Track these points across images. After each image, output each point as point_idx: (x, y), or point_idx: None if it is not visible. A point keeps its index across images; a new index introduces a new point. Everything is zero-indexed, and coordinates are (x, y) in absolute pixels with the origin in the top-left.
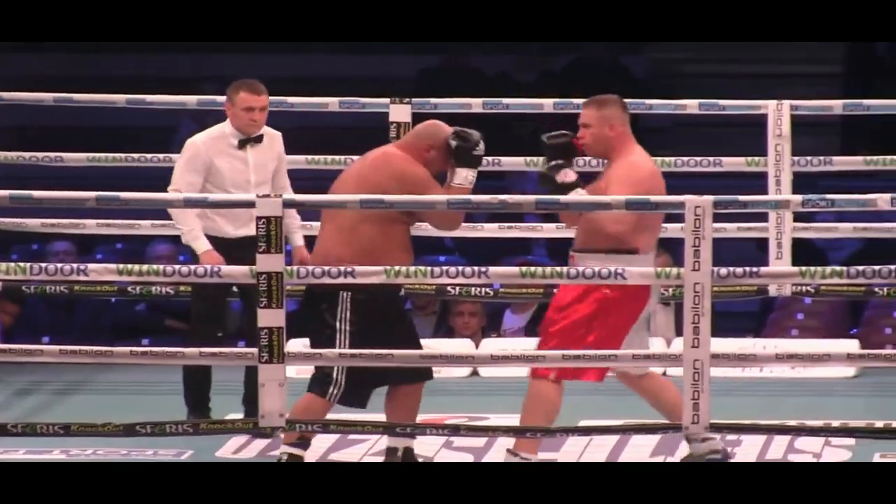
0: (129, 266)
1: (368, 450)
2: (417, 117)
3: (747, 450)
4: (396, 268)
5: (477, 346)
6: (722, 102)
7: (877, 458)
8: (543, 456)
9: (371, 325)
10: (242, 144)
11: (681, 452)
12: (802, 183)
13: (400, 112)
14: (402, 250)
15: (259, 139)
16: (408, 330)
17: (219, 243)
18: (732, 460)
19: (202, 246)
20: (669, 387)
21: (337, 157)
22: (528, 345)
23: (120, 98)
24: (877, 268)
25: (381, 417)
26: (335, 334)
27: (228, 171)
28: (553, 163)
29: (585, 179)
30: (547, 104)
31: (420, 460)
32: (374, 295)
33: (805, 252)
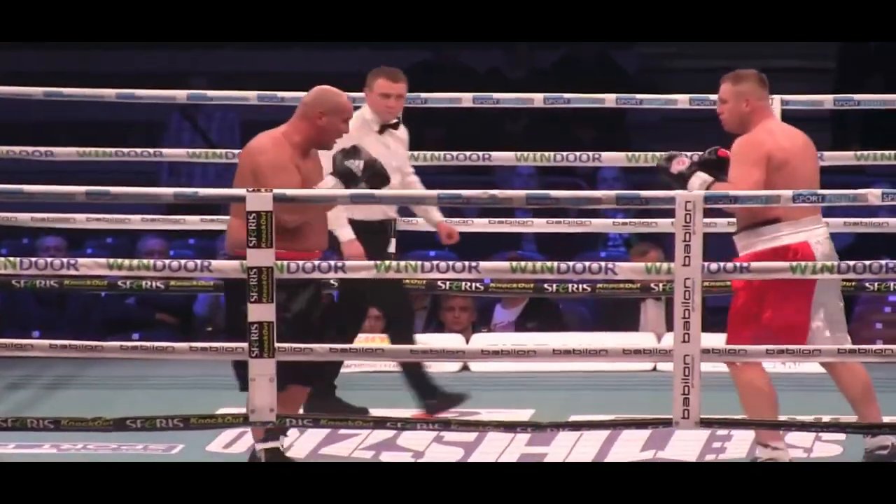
0: (120, 260)
1: (359, 444)
2: (408, 112)
3: (738, 445)
4: (387, 262)
5: (467, 341)
6: (713, 97)
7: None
8: (531, 451)
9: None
10: (382, 129)
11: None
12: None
13: None
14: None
15: (396, 125)
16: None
17: (356, 227)
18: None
19: (346, 235)
20: (858, 372)
21: (327, 153)
22: (518, 339)
23: (110, 93)
24: (867, 263)
25: (373, 412)
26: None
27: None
28: (667, 154)
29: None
30: (537, 98)
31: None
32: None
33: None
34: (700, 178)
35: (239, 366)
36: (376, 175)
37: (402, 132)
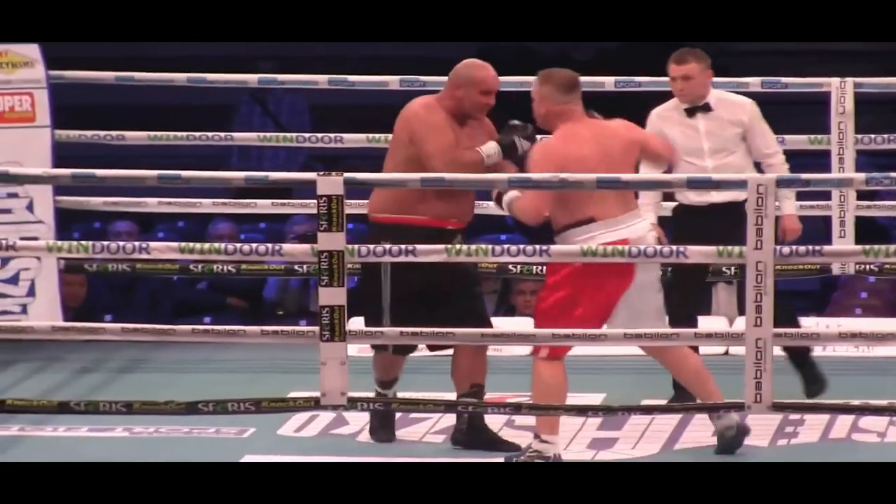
0: (192, 244)
1: (430, 428)
2: None
3: (811, 429)
4: (458, 246)
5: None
6: (784, 80)
7: None
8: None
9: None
10: (691, 113)
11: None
12: (866, 161)
13: None
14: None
15: (706, 107)
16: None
17: (685, 210)
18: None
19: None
20: (690, 356)
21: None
22: None
23: (181, 77)
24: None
25: (443, 396)
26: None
27: (681, 139)
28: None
29: None
30: (608, 82)
31: None
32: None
33: (868, 230)
34: (512, 193)
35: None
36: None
37: (737, 111)
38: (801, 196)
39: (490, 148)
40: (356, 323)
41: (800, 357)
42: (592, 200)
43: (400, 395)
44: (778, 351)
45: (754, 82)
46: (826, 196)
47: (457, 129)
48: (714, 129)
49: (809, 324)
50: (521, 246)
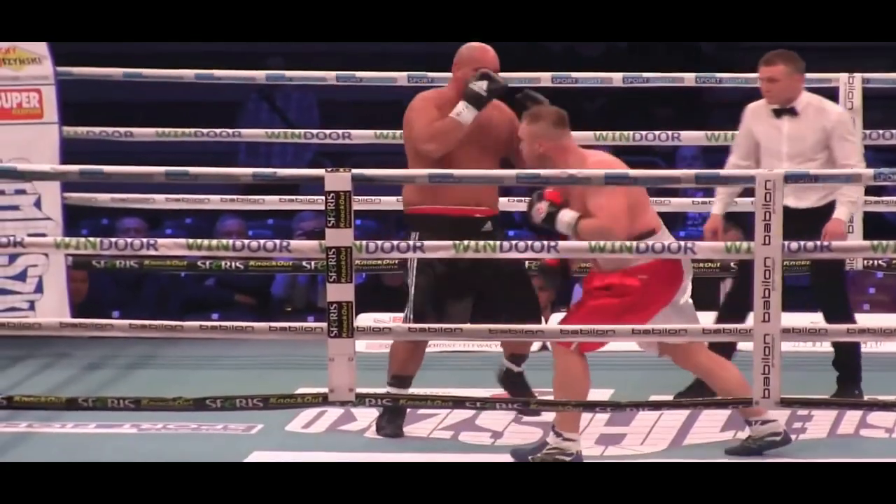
0: (199, 241)
1: (438, 424)
2: None
3: (818, 425)
4: (465, 242)
5: (546, 320)
6: None
7: None
8: (610, 431)
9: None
10: (778, 114)
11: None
12: (873, 156)
13: None
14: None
15: (792, 111)
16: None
17: (785, 213)
18: (794, 440)
19: (713, 209)
20: (726, 364)
21: None
22: None
23: (189, 73)
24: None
25: (449, 391)
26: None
27: (764, 139)
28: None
29: None
30: (616, 78)
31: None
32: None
33: (876, 226)
34: (568, 213)
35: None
36: (503, 94)
37: (823, 118)
38: None
39: (458, 107)
40: (364, 319)
41: (848, 358)
42: (650, 211)
43: (406, 391)
44: (789, 347)
45: None
46: None
47: (445, 115)
48: (796, 134)
49: (817, 319)
50: (530, 242)
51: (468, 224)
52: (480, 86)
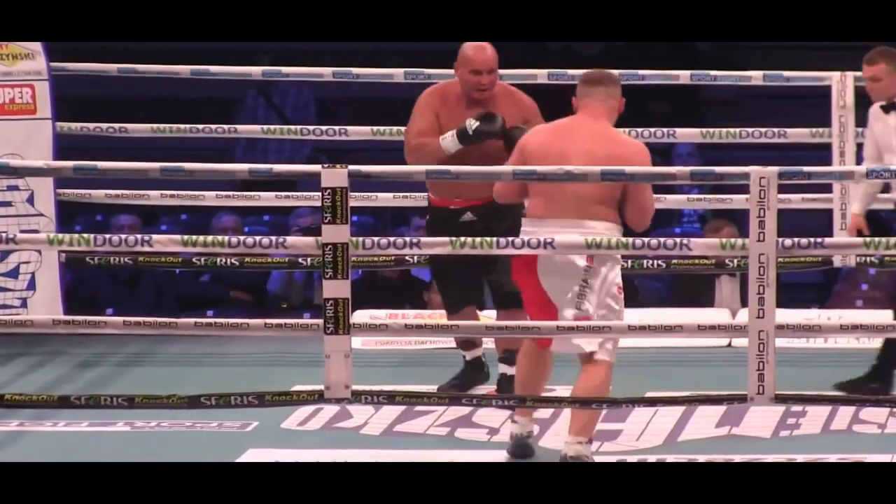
0: (194, 237)
1: (434, 421)
2: None
3: (812, 421)
4: (462, 239)
5: None
6: (786, 74)
7: None
8: (606, 427)
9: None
10: (887, 109)
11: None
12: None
13: None
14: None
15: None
16: None
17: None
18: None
19: (852, 209)
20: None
21: (402, 128)
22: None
23: (184, 69)
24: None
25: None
26: None
27: (879, 135)
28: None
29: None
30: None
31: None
32: None
33: (869, 223)
34: None
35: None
36: (493, 137)
37: None
38: (802, 189)
39: (447, 135)
40: (360, 316)
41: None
42: (534, 196)
43: (402, 388)
44: (783, 343)
45: (757, 76)
46: (827, 189)
47: (441, 113)
48: None
49: (811, 315)
50: (526, 238)
51: (445, 214)
52: (471, 125)
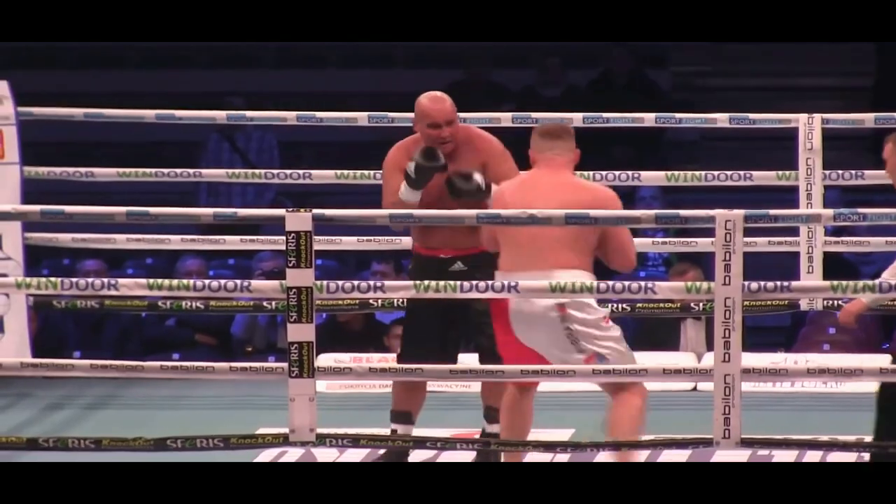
0: (160, 281)
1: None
2: None
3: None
4: (426, 282)
5: None
6: (752, 116)
7: None
8: None
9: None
10: None
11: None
12: (833, 197)
13: None
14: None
15: None
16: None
17: None
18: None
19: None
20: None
21: (366, 172)
22: None
23: (149, 113)
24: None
25: (418, 431)
26: None
27: None
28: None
29: None
30: (576, 118)
31: None
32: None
33: (836, 266)
34: None
35: None
36: (426, 178)
37: None
38: (769, 232)
39: (401, 187)
40: (324, 359)
41: None
42: (503, 248)
43: (367, 431)
44: (749, 387)
45: (722, 118)
46: (794, 232)
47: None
48: None
49: (778, 359)
50: (490, 282)
51: (435, 263)
52: (410, 167)
